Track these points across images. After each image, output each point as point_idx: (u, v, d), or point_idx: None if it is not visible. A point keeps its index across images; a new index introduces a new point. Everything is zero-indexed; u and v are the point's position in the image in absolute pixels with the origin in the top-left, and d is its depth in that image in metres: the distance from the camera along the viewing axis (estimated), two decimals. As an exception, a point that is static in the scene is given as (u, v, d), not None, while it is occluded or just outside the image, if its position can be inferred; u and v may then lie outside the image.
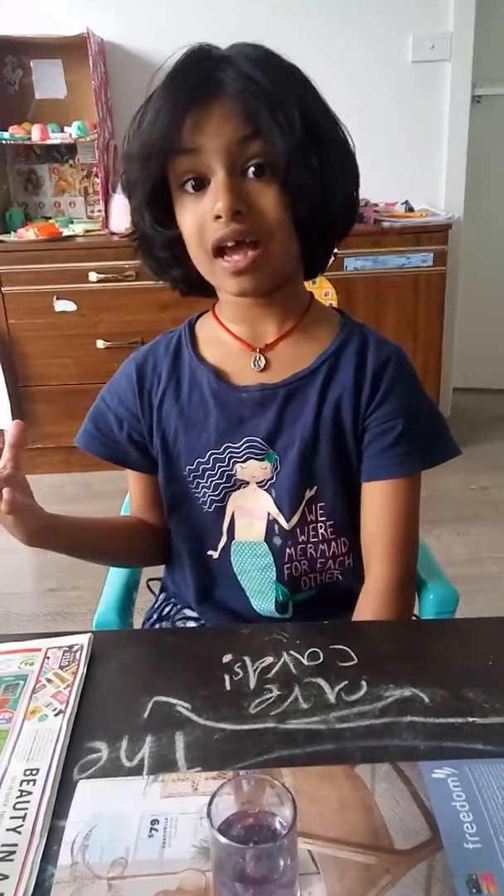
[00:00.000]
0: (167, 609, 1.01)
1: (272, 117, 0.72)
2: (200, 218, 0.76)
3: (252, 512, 0.88)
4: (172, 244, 0.82)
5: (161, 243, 0.83)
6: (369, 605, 0.86)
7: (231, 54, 0.75)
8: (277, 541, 0.88)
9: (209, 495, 0.88)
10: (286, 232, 0.78)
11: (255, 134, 0.73)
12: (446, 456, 0.87)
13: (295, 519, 0.87)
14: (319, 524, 0.88)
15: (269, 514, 0.87)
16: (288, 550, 0.88)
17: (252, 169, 0.75)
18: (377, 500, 0.87)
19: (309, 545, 0.89)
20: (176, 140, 0.74)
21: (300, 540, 0.88)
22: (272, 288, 0.82)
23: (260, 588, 0.91)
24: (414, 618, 1.03)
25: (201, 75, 0.74)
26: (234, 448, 0.87)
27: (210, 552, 0.91)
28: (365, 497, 0.88)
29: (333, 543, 0.89)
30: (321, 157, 0.75)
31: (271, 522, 0.88)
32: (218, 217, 0.74)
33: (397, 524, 0.86)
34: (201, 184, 0.76)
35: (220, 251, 0.77)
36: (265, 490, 0.87)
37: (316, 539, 0.89)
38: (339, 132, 0.79)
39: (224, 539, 0.90)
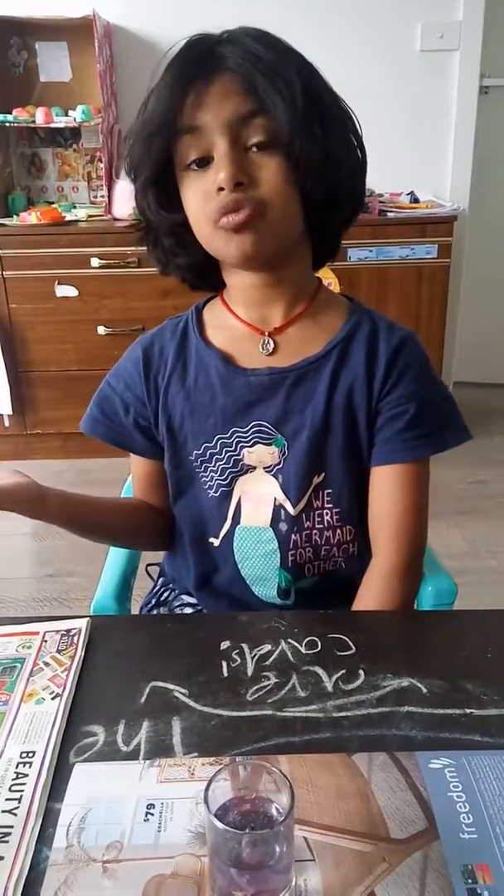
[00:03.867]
0: (165, 594, 1.01)
1: (273, 87, 0.73)
2: (204, 193, 0.76)
3: (259, 497, 0.88)
4: (177, 229, 0.81)
5: (166, 228, 0.82)
6: (373, 588, 0.86)
7: (231, 33, 0.76)
8: (283, 526, 0.88)
9: (216, 479, 0.88)
10: (287, 201, 0.77)
11: (256, 111, 0.74)
12: (458, 440, 0.87)
13: (301, 504, 0.87)
14: (325, 511, 0.88)
15: (275, 499, 0.87)
16: (293, 537, 0.88)
17: (254, 147, 0.75)
18: (387, 483, 0.87)
19: (314, 531, 0.88)
20: (178, 118, 0.74)
21: (305, 526, 0.88)
22: (275, 256, 0.81)
23: (262, 574, 0.90)
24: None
25: (202, 52, 0.75)
26: (242, 432, 0.86)
27: (211, 539, 0.91)
28: (374, 481, 0.87)
29: (339, 531, 0.89)
30: (324, 128, 0.75)
31: (277, 508, 0.87)
32: (220, 189, 0.74)
33: (406, 509, 0.86)
34: (206, 162, 0.76)
35: (220, 218, 0.76)
36: (272, 475, 0.87)
37: (321, 525, 0.88)
38: (340, 106, 0.79)
39: (228, 525, 0.89)
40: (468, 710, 0.66)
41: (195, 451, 0.88)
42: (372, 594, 0.86)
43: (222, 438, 0.87)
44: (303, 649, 0.74)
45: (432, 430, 0.86)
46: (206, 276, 0.88)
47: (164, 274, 0.89)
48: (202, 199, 0.77)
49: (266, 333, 0.86)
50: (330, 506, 0.88)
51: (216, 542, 0.91)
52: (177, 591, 1.00)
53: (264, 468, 0.87)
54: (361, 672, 0.71)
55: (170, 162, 0.78)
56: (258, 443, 0.86)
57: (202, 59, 0.74)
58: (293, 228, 0.81)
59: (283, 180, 0.76)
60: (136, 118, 0.78)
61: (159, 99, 0.75)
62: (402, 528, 0.87)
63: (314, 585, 0.91)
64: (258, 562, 0.90)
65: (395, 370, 0.85)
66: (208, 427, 0.87)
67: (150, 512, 0.97)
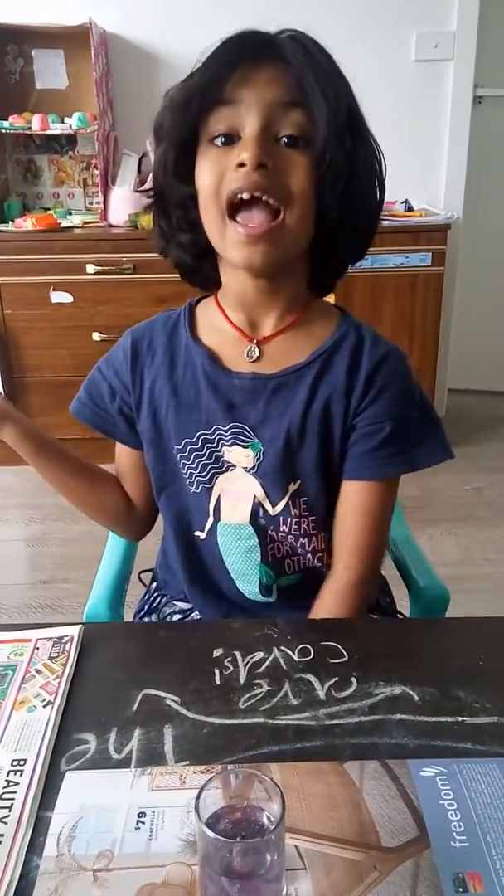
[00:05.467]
0: (157, 601, 1.01)
1: (321, 91, 0.73)
2: (222, 169, 0.75)
3: (238, 495, 0.88)
4: (187, 203, 0.80)
5: (177, 200, 0.81)
6: (328, 601, 0.88)
7: (290, 30, 0.77)
8: (262, 522, 0.89)
9: (196, 476, 0.89)
10: (307, 206, 0.77)
11: (298, 102, 0.74)
12: (431, 461, 0.87)
13: (279, 507, 0.88)
14: (302, 519, 0.89)
15: (255, 497, 0.88)
16: (270, 533, 0.89)
17: (285, 139, 0.75)
18: (352, 499, 0.88)
19: (290, 536, 0.89)
20: (218, 89, 0.74)
21: (282, 530, 0.89)
22: (277, 268, 0.81)
23: (244, 570, 0.91)
24: (400, 616, 1.03)
25: (260, 36, 0.75)
26: (223, 430, 0.87)
27: (197, 532, 0.92)
28: (342, 494, 0.88)
29: (314, 538, 0.90)
30: (355, 144, 0.76)
31: (257, 505, 0.88)
32: (241, 165, 0.73)
33: (369, 525, 0.88)
34: (231, 139, 0.75)
35: (234, 210, 0.76)
36: (252, 475, 0.87)
37: (297, 532, 0.89)
38: (374, 144, 0.81)
39: (210, 520, 0.90)
40: (460, 718, 0.66)
41: (176, 446, 0.89)
42: (326, 606, 0.88)
43: (204, 434, 0.87)
44: (295, 657, 0.74)
45: (403, 451, 0.86)
46: (203, 264, 0.86)
47: (163, 254, 0.88)
48: (218, 174, 0.75)
49: (254, 341, 0.87)
50: (306, 514, 0.88)
51: (202, 535, 0.91)
52: (168, 597, 1.00)
53: (243, 467, 0.87)
54: (354, 680, 0.71)
55: (196, 133, 0.77)
56: (236, 443, 0.87)
57: (258, 43, 0.75)
58: (303, 241, 0.80)
59: (307, 181, 0.75)
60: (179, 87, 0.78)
61: (204, 70, 0.74)
62: (363, 544, 0.88)
63: (297, 584, 0.92)
64: (240, 557, 0.91)
65: (374, 386, 0.84)
66: (192, 422, 0.88)
67: (117, 489, 0.99)
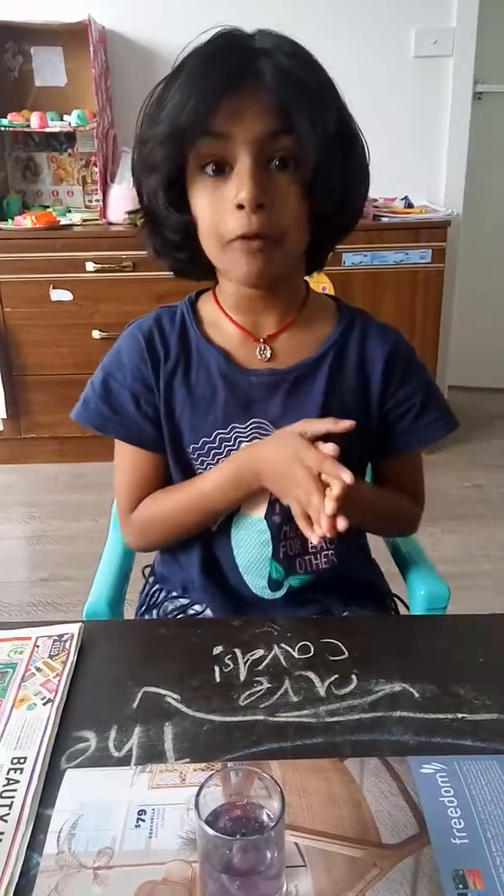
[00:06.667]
0: (156, 596, 1.01)
1: (308, 117, 0.73)
2: (219, 204, 0.76)
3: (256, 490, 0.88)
4: (184, 227, 0.81)
5: (173, 226, 0.81)
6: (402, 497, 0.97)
7: (267, 46, 0.75)
8: (276, 518, 0.89)
9: None
10: (302, 229, 0.79)
11: (287, 129, 0.73)
12: (455, 421, 0.95)
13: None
14: None
15: (271, 492, 0.87)
16: (284, 528, 0.89)
17: (276, 162, 0.75)
18: (406, 466, 0.96)
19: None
20: (206, 123, 0.73)
21: (295, 525, 0.88)
22: (275, 280, 0.82)
23: (254, 563, 0.91)
24: (400, 602, 1.03)
25: (239, 62, 0.73)
26: (241, 429, 0.87)
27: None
28: (387, 470, 0.96)
29: None
30: (346, 159, 0.77)
31: (273, 501, 0.88)
32: (240, 207, 0.74)
33: (419, 482, 0.99)
34: (221, 169, 0.75)
35: (234, 239, 0.77)
36: None
37: None
38: (357, 134, 0.80)
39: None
40: (460, 715, 0.66)
41: (192, 445, 0.89)
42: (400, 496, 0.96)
43: (221, 434, 0.87)
44: (295, 654, 0.74)
45: (441, 414, 0.93)
46: (199, 269, 0.88)
47: (156, 260, 0.88)
48: (216, 210, 0.76)
49: (261, 340, 0.88)
50: None
51: (214, 527, 0.91)
52: (167, 592, 1.00)
53: None
54: (354, 677, 0.71)
55: (184, 162, 0.77)
56: (256, 439, 0.87)
57: (236, 68, 0.73)
58: (301, 250, 0.83)
59: (302, 204, 0.76)
60: (144, 108, 0.77)
61: (188, 103, 0.72)
62: (418, 495, 0.99)
63: (307, 584, 0.92)
64: (252, 550, 0.91)
65: (395, 373, 0.89)
66: (208, 422, 0.88)
67: None
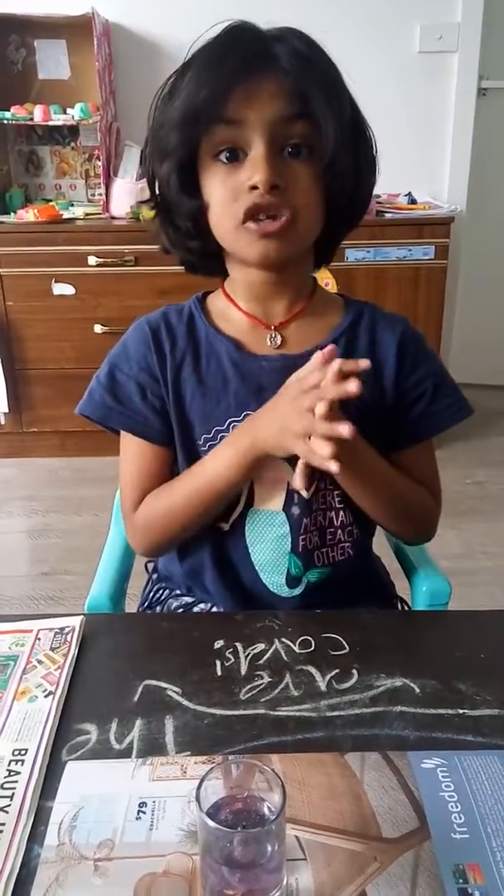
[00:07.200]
0: (159, 593, 1.01)
1: (325, 101, 0.74)
2: (233, 189, 0.76)
3: (273, 481, 0.87)
4: (196, 214, 0.81)
5: (185, 212, 0.82)
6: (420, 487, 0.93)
7: (279, 30, 0.76)
8: (295, 510, 0.88)
9: None
10: (317, 212, 0.80)
11: (301, 114, 0.74)
12: (468, 406, 0.95)
13: (313, 488, 0.87)
14: (328, 492, 0.89)
15: (288, 483, 0.87)
16: (304, 521, 0.88)
17: (289, 149, 0.76)
18: (420, 458, 0.93)
19: (319, 513, 0.89)
20: (221, 109, 0.74)
21: (314, 508, 0.88)
22: (287, 262, 0.82)
23: (272, 560, 0.89)
24: (402, 600, 1.03)
25: (254, 48, 0.74)
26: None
27: (221, 524, 0.90)
28: (404, 457, 0.92)
29: (341, 513, 0.90)
30: (359, 145, 0.78)
31: (291, 492, 0.87)
32: (254, 188, 0.75)
33: (435, 472, 0.96)
34: (235, 155, 0.76)
35: (249, 217, 0.77)
36: (285, 459, 0.85)
37: (325, 506, 0.89)
38: (366, 124, 0.81)
39: (240, 508, 0.89)
40: (461, 711, 0.66)
41: (204, 436, 0.88)
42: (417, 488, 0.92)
43: (234, 422, 0.87)
44: (296, 649, 0.74)
45: (456, 399, 0.93)
46: (209, 261, 0.88)
47: (167, 252, 0.89)
48: (230, 195, 0.77)
49: (272, 328, 0.88)
50: (332, 487, 0.88)
51: (226, 526, 0.90)
52: (170, 590, 1.00)
53: None
54: (355, 672, 0.71)
55: (197, 148, 0.77)
56: None
57: (252, 54, 0.74)
58: (314, 237, 0.83)
59: (316, 189, 0.77)
60: (157, 96, 0.78)
61: (203, 88, 0.73)
62: (434, 489, 0.95)
63: (325, 580, 0.91)
64: (269, 546, 0.89)
65: (407, 358, 0.89)
66: (219, 411, 0.87)
67: None
